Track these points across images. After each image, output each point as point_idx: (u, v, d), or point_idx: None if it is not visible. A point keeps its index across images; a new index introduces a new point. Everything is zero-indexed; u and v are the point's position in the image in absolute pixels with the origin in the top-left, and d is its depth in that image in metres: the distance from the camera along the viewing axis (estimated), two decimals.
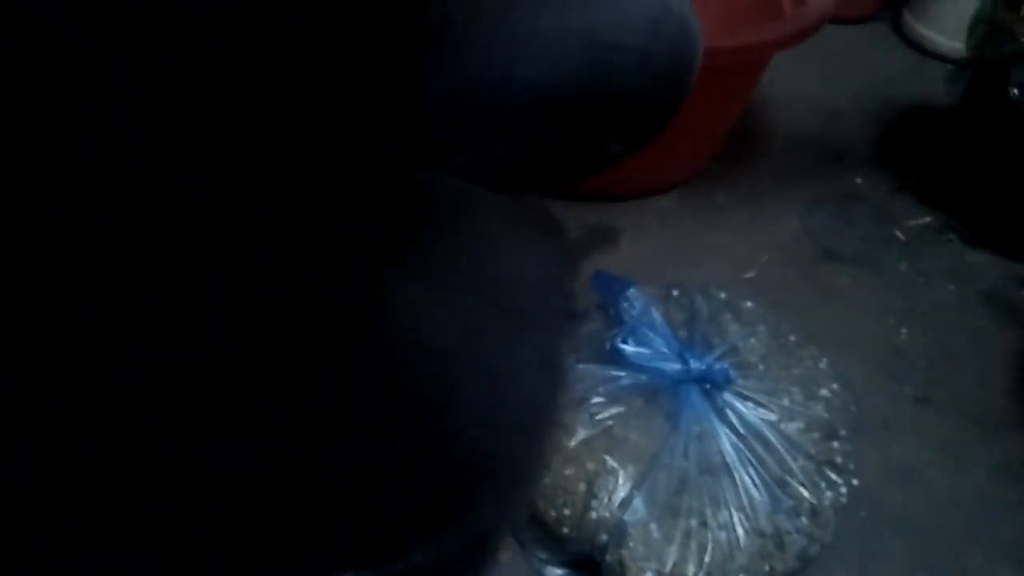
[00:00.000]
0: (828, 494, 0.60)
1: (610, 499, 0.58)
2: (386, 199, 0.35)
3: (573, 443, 0.60)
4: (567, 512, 0.59)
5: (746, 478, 0.58)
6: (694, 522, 0.57)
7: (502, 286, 0.37)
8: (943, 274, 0.94)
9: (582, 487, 0.58)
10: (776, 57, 0.87)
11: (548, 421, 0.39)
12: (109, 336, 0.33)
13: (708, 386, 0.62)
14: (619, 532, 0.57)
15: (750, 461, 0.59)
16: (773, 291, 0.87)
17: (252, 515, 0.32)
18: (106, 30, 0.33)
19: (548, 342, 0.39)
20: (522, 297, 0.38)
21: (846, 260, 0.94)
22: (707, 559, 0.56)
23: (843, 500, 0.61)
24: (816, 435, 0.62)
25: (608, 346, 0.63)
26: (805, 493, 0.59)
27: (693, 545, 0.56)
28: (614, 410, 0.61)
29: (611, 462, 0.59)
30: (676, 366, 0.62)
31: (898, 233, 0.99)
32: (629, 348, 0.62)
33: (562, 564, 0.64)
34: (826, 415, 0.64)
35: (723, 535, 0.57)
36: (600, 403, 0.61)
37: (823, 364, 0.68)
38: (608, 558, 0.57)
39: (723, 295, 0.71)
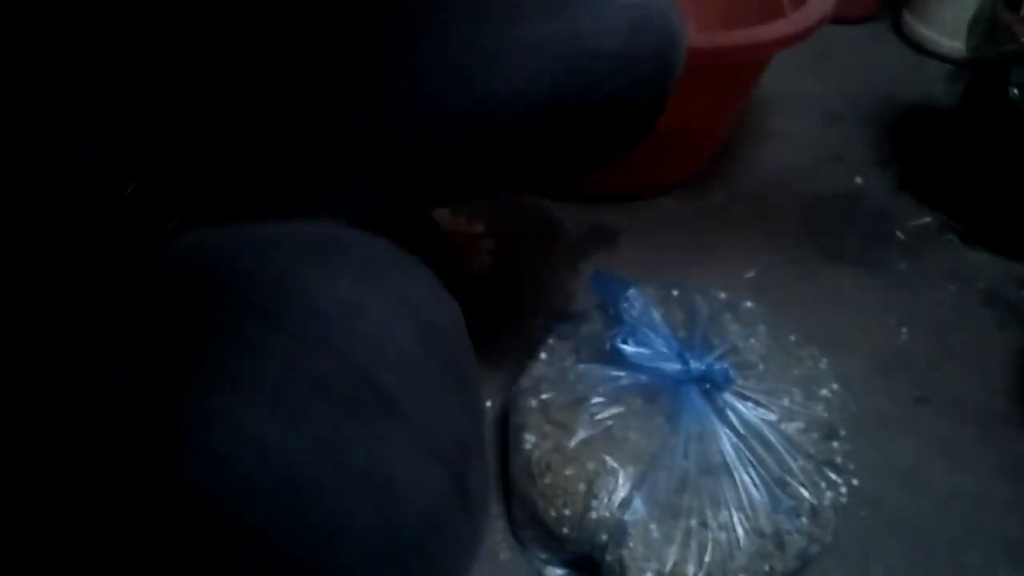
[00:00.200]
0: (828, 494, 0.60)
1: (610, 499, 0.58)
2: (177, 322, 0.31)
3: (573, 443, 0.60)
4: (567, 512, 0.59)
5: (746, 478, 0.58)
6: (694, 522, 0.57)
7: (360, 368, 0.30)
8: (943, 274, 0.94)
9: (582, 487, 0.59)
10: (776, 57, 0.87)
11: (460, 526, 0.33)
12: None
13: (708, 386, 0.62)
14: (619, 532, 0.57)
15: (750, 461, 0.59)
16: (773, 291, 0.87)
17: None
18: (106, 30, 0.33)
19: (441, 426, 0.32)
20: (391, 376, 0.31)
21: (846, 260, 0.94)
22: (707, 559, 0.56)
23: (843, 500, 0.61)
24: (816, 435, 0.62)
25: (608, 346, 0.63)
26: (805, 493, 0.59)
27: (693, 545, 0.56)
28: (614, 410, 0.61)
29: (611, 462, 0.59)
30: (676, 366, 0.62)
31: (898, 233, 0.99)
32: (629, 348, 0.62)
33: (562, 564, 0.64)
34: (826, 415, 0.64)
35: (723, 535, 0.57)
36: (600, 403, 0.61)
37: (823, 364, 0.68)
38: (608, 558, 0.57)
39: (723, 295, 0.71)
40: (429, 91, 0.47)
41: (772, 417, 0.62)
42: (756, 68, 0.92)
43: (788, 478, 0.59)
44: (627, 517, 0.57)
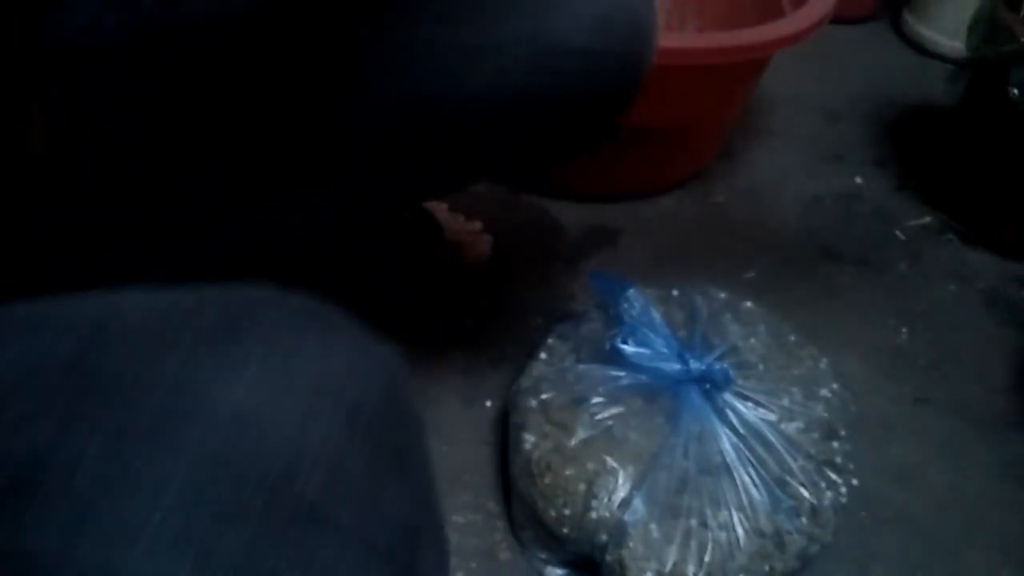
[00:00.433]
0: (828, 494, 0.60)
1: (610, 499, 0.58)
2: None
3: (573, 443, 0.60)
4: (567, 512, 0.59)
5: (746, 478, 0.58)
6: (694, 522, 0.57)
7: (273, 482, 0.27)
8: (943, 274, 0.94)
9: (582, 487, 0.59)
10: (776, 57, 0.87)
11: None
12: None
13: (708, 386, 0.62)
14: (619, 532, 0.57)
15: (750, 461, 0.59)
16: (773, 291, 0.87)
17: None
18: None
19: (377, 520, 0.29)
20: (312, 481, 0.27)
21: (846, 260, 0.94)
22: (707, 559, 0.56)
23: (843, 500, 0.61)
24: (816, 435, 0.62)
25: (608, 346, 0.63)
26: (805, 493, 0.59)
27: (693, 545, 0.56)
28: (614, 410, 0.61)
29: (611, 462, 0.59)
30: (676, 366, 0.62)
31: (898, 233, 0.99)
32: (629, 348, 0.62)
33: (562, 564, 0.64)
34: (826, 415, 0.64)
35: (723, 535, 0.57)
36: (600, 403, 0.61)
37: (823, 364, 0.68)
38: (608, 558, 0.57)
39: (723, 295, 0.71)
40: (396, 90, 0.47)
41: (772, 417, 0.62)
42: (756, 68, 0.92)
43: (788, 478, 0.59)
44: (627, 517, 0.57)
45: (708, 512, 0.57)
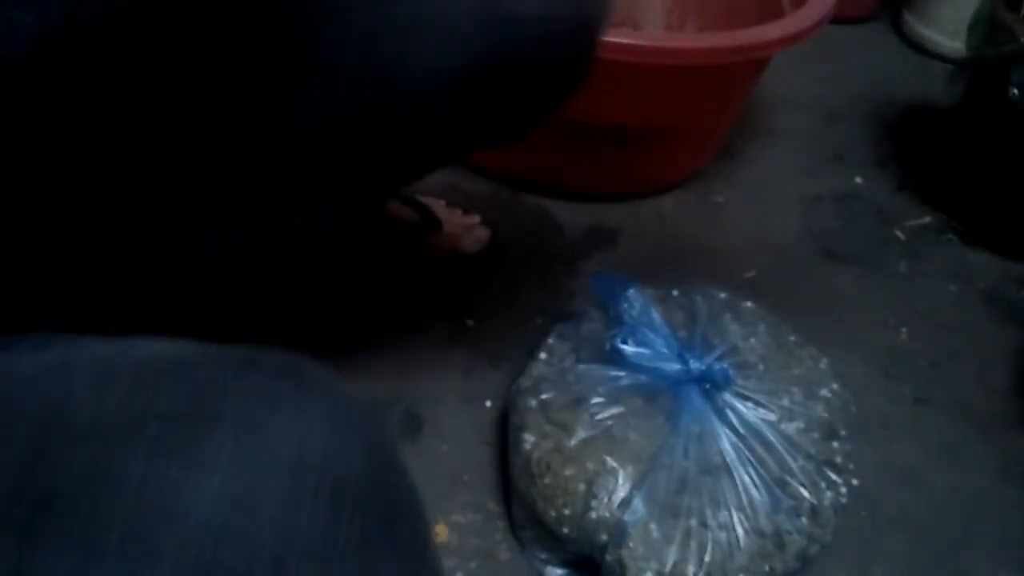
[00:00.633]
0: (828, 494, 0.60)
1: (610, 499, 0.58)
2: None
3: (573, 443, 0.60)
4: (567, 512, 0.59)
5: (746, 478, 0.58)
6: (694, 522, 0.57)
7: None
8: (943, 274, 0.94)
9: (582, 487, 0.59)
10: (776, 57, 0.87)
11: None
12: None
13: (708, 386, 0.62)
14: (619, 532, 0.57)
15: (750, 461, 0.59)
16: (773, 291, 0.87)
17: None
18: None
19: None
20: (302, 571, 0.26)
21: (846, 260, 0.94)
22: (707, 559, 0.56)
23: (843, 500, 0.61)
24: (816, 435, 0.62)
25: (608, 346, 0.63)
26: (805, 493, 0.59)
27: (693, 545, 0.56)
28: (614, 410, 0.61)
29: (611, 462, 0.59)
30: (676, 366, 0.62)
31: (898, 233, 0.99)
32: (629, 348, 0.62)
33: (562, 564, 0.64)
34: (826, 415, 0.64)
35: (723, 535, 0.57)
36: (600, 403, 0.61)
37: (823, 364, 0.68)
38: (608, 558, 0.57)
39: (723, 295, 0.71)
40: (342, 68, 0.45)
41: (772, 417, 0.62)
42: (756, 68, 0.92)
43: (788, 478, 0.59)
44: (627, 517, 0.57)
45: (708, 512, 0.57)
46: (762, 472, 0.59)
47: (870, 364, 0.83)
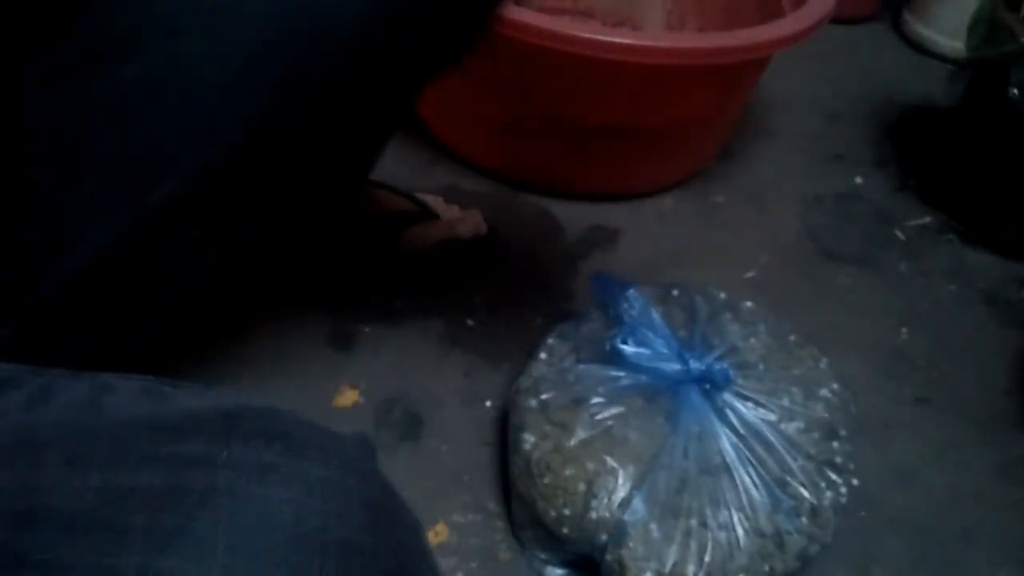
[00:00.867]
0: (828, 494, 0.60)
1: (610, 499, 0.58)
2: None
3: (573, 443, 0.60)
4: (567, 512, 0.59)
5: (746, 478, 0.58)
6: (694, 522, 0.57)
7: None
8: (943, 274, 0.94)
9: (582, 487, 0.59)
10: (776, 57, 0.87)
11: None
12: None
13: (708, 386, 0.62)
14: (619, 532, 0.57)
15: (750, 461, 0.59)
16: (773, 291, 0.87)
17: None
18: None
19: None
20: None
21: (846, 260, 0.94)
22: (707, 559, 0.56)
23: (843, 500, 0.61)
24: (816, 435, 0.62)
25: (608, 346, 0.63)
26: (805, 493, 0.59)
27: (693, 545, 0.56)
28: (614, 410, 0.61)
29: (611, 462, 0.59)
30: (676, 366, 0.62)
31: (898, 233, 0.99)
32: (629, 348, 0.62)
33: (562, 564, 0.64)
34: (826, 415, 0.64)
35: (723, 535, 0.57)
36: (600, 403, 0.61)
37: (823, 364, 0.68)
38: (608, 558, 0.57)
39: (723, 295, 0.71)
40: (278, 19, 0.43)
41: (772, 417, 0.62)
42: (756, 68, 0.92)
43: (788, 478, 0.59)
44: (627, 517, 0.57)
45: (708, 512, 0.57)
46: (762, 472, 0.59)
47: (870, 364, 0.83)
